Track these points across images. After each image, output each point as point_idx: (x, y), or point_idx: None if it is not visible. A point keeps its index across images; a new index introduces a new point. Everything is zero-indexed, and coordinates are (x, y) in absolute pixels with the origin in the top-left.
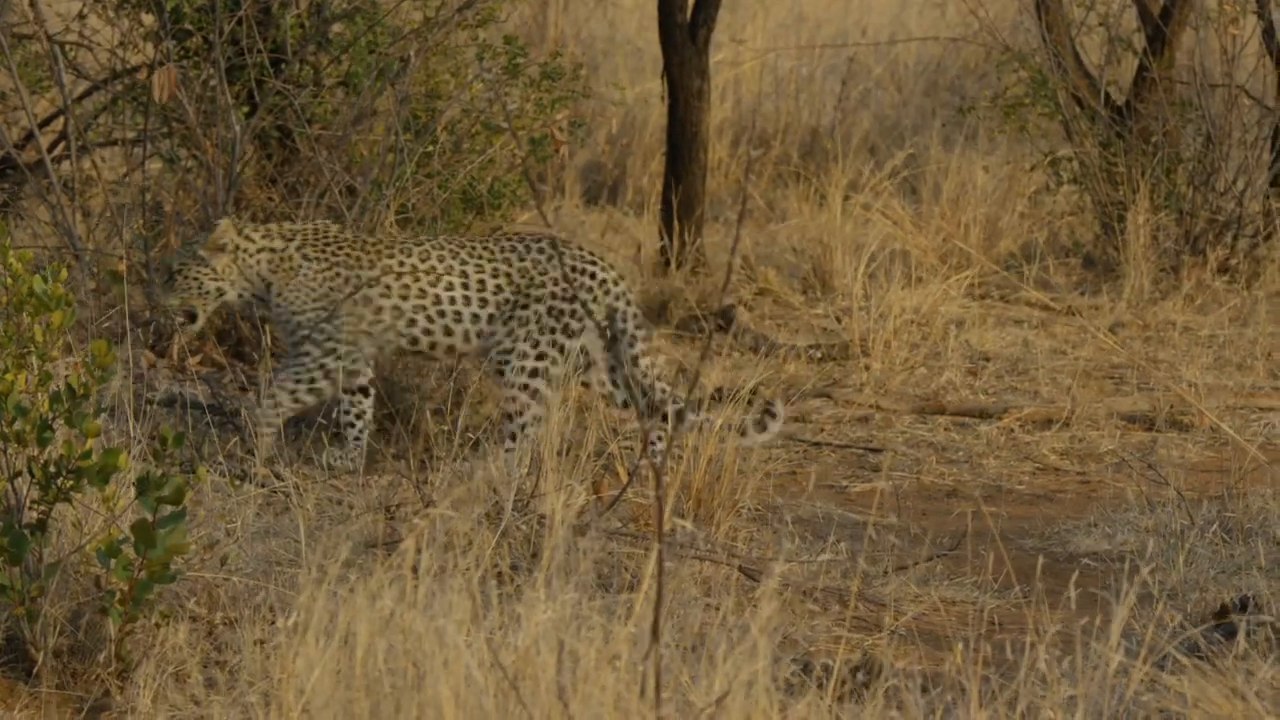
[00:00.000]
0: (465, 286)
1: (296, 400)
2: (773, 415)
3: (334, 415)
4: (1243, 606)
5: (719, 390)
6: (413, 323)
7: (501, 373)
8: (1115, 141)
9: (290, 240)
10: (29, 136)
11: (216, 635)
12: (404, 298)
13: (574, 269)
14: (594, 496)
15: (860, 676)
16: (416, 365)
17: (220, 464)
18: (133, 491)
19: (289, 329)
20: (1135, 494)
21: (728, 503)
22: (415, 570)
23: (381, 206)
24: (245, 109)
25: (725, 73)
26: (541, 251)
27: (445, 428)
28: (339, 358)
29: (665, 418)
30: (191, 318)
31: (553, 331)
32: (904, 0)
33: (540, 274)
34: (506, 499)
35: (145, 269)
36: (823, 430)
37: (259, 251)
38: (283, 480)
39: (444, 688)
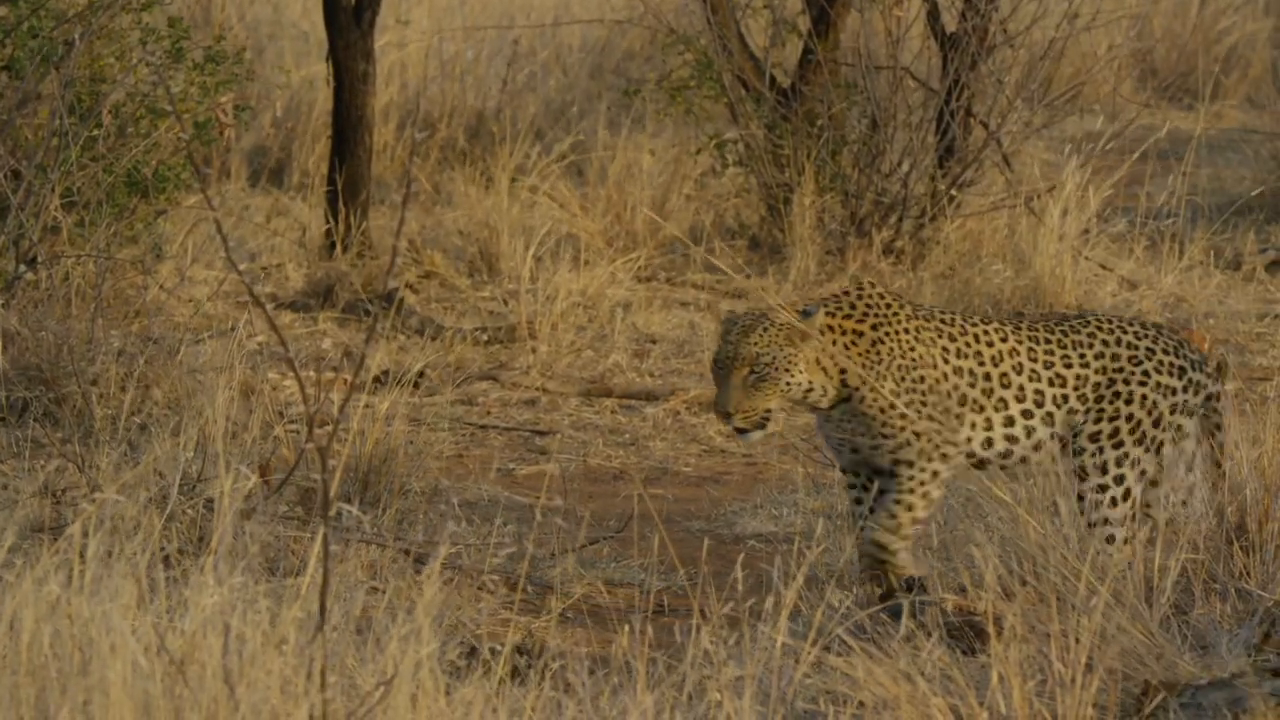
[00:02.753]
0: None
1: None
2: None
3: None
4: (909, 587)
5: (384, 373)
6: None
7: None
8: (780, 124)
9: None
10: None
11: None
12: None
13: None
14: (261, 480)
15: (525, 659)
16: (82, 350)
17: None
18: None
19: None
20: (802, 476)
21: (395, 486)
22: (82, 555)
23: (46, 190)
24: None
25: (391, 55)
26: None
27: (112, 411)
28: None
29: None
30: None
31: None
32: None
33: None
34: (173, 483)
35: None
36: (489, 413)
37: None
38: None
39: (111, 673)
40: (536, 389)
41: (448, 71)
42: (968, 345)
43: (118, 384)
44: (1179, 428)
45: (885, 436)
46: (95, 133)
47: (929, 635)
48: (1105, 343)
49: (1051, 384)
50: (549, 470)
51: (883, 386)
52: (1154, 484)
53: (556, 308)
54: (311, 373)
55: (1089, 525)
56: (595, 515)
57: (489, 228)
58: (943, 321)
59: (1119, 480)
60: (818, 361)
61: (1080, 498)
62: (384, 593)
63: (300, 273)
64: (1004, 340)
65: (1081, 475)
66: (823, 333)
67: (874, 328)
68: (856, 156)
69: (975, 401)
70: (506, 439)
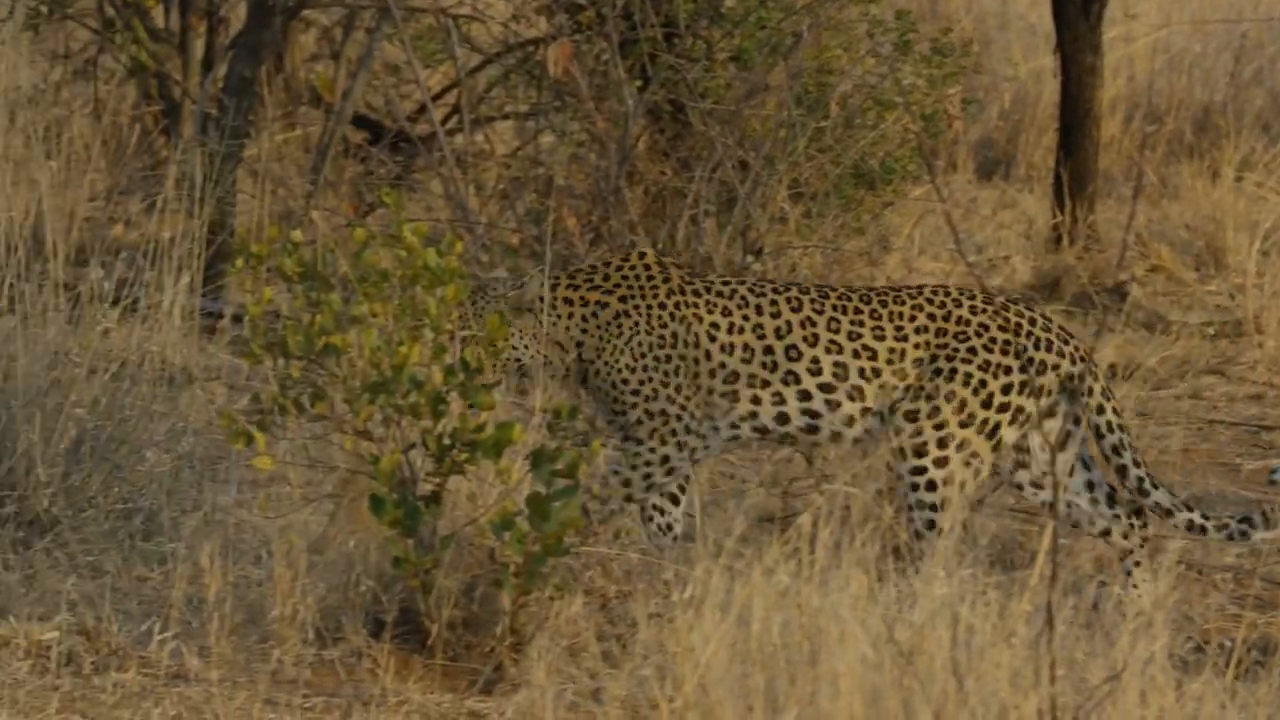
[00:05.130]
0: None
1: None
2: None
3: None
4: None
5: (1112, 367)
6: None
7: None
8: None
9: None
10: (422, 109)
11: (610, 609)
12: None
13: None
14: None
15: (1256, 655)
16: None
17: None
18: (527, 465)
19: None
20: None
21: None
22: (811, 545)
23: (773, 181)
24: (638, 83)
25: (1118, 49)
26: None
27: None
28: None
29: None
30: None
31: None
32: None
33: None
34: (903, 475)
35: (538, 241)
36: (1215, 408)
37: None
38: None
39: (839, 663)
40: (1263, 384)
41: (1175, 65)
42: (745, 319)
43: None
44: (1020, 409)
45: (616, 413)
46: (822, 124)
47: None
48: (931, 315)
49: (857, 356)
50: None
51: (617, 361)
52: (1023, 466)
53: None
54: None
55: (907, 509)
56: None
57: (1215, 221)
58: (720, 294)
59: (940, 463)
60: (547, 334)
61: (899, 478)
62: (1112, 586)
63: (1027, 265)
64: (796, 310)
65: (900, 456)
66: (560, 304)
67: (621, 300)
68: None
69: (754, 377)
70: (1232, 434)
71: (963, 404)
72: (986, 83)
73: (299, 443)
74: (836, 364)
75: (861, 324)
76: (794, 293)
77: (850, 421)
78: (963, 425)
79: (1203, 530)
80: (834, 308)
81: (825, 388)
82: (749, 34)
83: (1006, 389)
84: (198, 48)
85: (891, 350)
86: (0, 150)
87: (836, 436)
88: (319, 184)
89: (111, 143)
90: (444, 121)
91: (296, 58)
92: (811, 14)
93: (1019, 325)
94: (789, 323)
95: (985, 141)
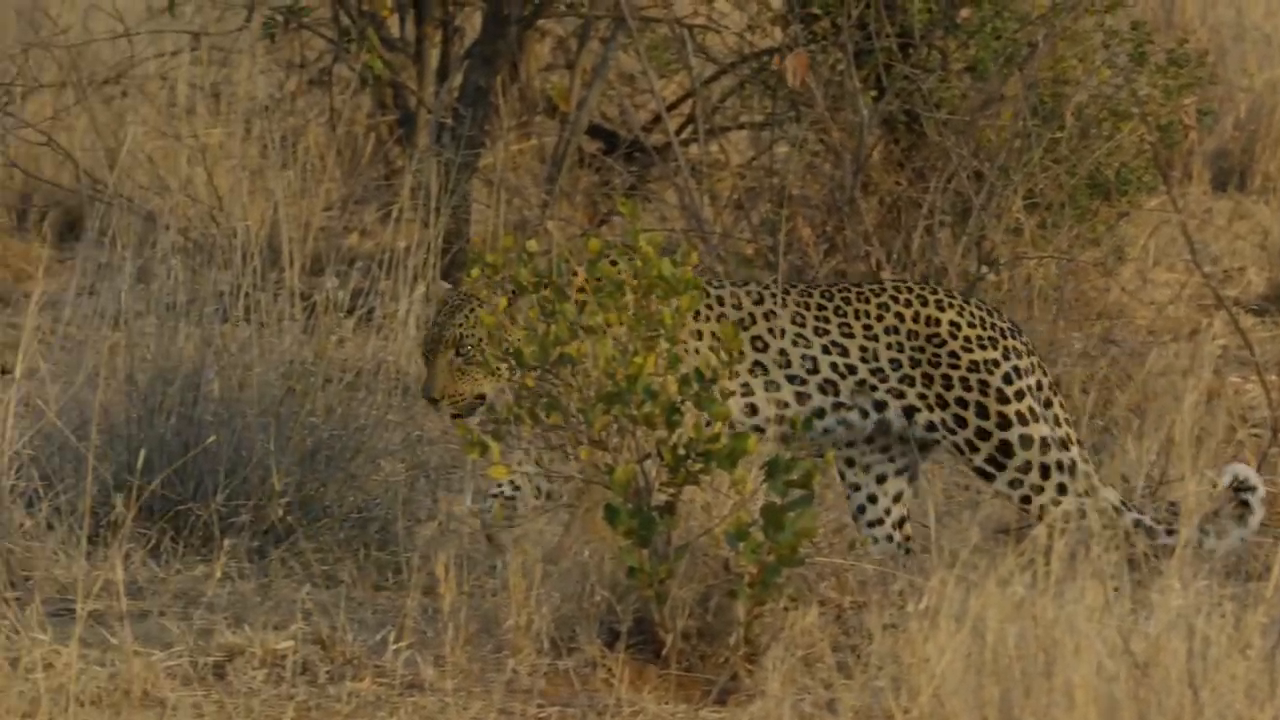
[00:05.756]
0: None
1: None
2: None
3: None
4: None
5: None
6: None
7: None
8: None
9: None
10: (657, 119)
11: (845, 619)
12: None
13: None
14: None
15: None
16: (1044, 351)
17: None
18: (761, 474)
19: None
20: None
21: None
22: (1047, 557)
23: (1008, 192)
24: (873, 94)
25: None
26: None
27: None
28: None
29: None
30: None
31: None
32: None
33: None
34: (1136, 485)
35: (772, 252)
36: None
37: None
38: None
39: (1075, 675)
40: None
41: None
42: (709, 308)
43: (1079, 386)
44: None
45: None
46: (1058, 135)
47: None
48: (900, 316)
49: (827, 351)
50: None
51: None
52: None
53: None
54: (1275, 377)
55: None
56: None
57: None
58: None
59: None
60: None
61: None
62: None
63: (1262, 276)
64: (758, 303)
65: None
66: None
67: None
68: None
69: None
70: None
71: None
72: (1221, 93)
73: (533, 453)
74: (805, 357)
75: (827, 320)
76: (751, 287)
77: (822, 414)
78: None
79: (1150, 532)
80: (798, 303)
81: (795, 380)
82: (984, 44)
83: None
84: (433, 57)
85: (863, 350)
86: (237, 160)
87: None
88: (554, 194)
89: (346, 152)
90: (679, 131)
91: (532, 67)
92: (1047, 24)
93: (984, 318)
94: (751, 315)
95: (1220, 152)
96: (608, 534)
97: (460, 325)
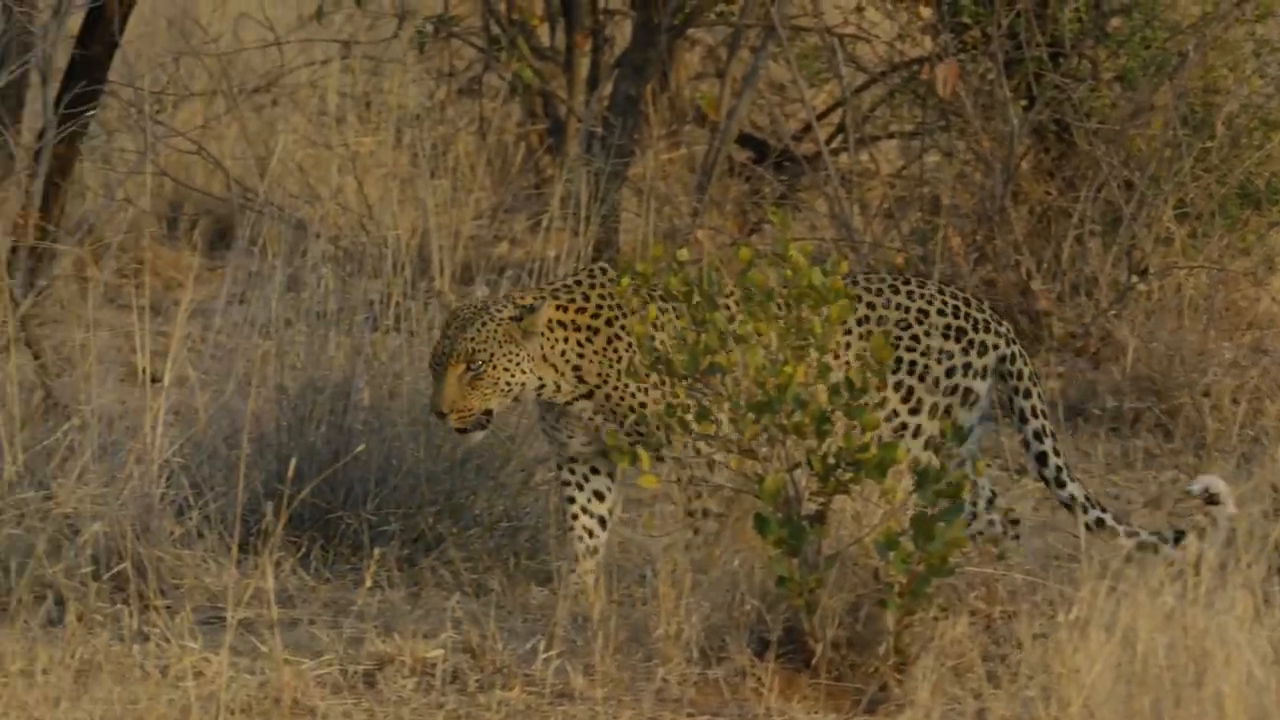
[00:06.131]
0: None
1: None
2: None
3: None
4: None
5: None
6: None
7: None
8: None
9: None
10: (807, 128)
11: (995, 629)
12: None
13: None
14: None
15: None
16: (1194, 361)
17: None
18: (911, 484)
19: None
20: None
21: None
22: (1198, 567)
23: (1159, 201)
24: (1023, 103)
25: None
26: None
27: (1223, 424)
28: None
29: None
30: None
31: None
32: None
33: None
34: None
35: (923, 261)
36: None
37: None
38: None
39: (1225, 685)
40: None
41: None
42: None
43: (1230, 396)
44: (968, 390)
45: (641, 434)
46: (1208, 144)
47: None
48: (871, 305)
49: None
50: None
51: (626, 388)
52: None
53: None
54: None
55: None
56: None
57: None
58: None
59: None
60: (545, 358)
61: None
62: None
63: None
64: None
65: None
66: (552, 329)
67: (608, 323)
68: None
69: None
70: None
71: (910, 391)
72: None
73: (684, 462)
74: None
75: None
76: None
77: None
78: (912, 412)
79: (1114, 532)
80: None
81: None
82: (1134, 54)
83: (951, 372)
84: (583, 66)
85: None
86: (387, 169)
87: None
88: (704, 202)
89: (496, 161)
90: (829, 140)
91: (681, 76)
92: (1197, 34)
93: (957, 307)
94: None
95: None
96: (758, 543)
97: (472, 339)
